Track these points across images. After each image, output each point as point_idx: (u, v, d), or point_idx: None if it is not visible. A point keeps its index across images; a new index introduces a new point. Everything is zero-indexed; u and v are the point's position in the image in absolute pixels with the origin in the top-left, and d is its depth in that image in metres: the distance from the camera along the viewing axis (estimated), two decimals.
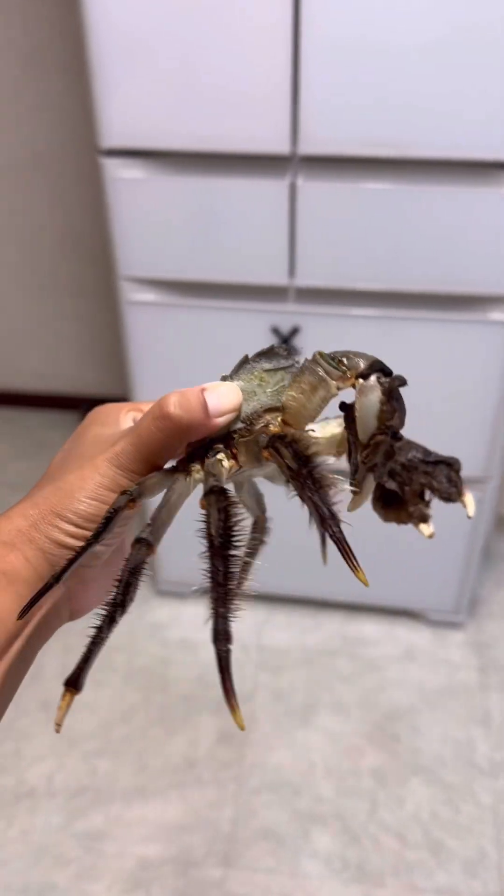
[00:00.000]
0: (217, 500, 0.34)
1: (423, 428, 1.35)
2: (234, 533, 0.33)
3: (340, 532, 0.32)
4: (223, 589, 0.31)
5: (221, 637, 0.31)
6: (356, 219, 1.10)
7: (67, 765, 1.28)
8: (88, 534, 0.38)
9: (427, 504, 0.42)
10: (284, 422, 0.39)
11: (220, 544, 0.32)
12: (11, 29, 1.56)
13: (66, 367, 2.06)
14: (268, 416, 0.39)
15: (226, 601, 0.31)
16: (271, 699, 1.38)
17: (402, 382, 0.35)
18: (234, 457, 0.40)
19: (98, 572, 0.44)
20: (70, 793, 1.24)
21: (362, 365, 0.36)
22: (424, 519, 0.42)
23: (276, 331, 1.19)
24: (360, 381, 0.35)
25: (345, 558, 0.32)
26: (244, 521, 0.35)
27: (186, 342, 1.24)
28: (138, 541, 0.37)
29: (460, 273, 1.11)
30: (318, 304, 1.18)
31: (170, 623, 1.52)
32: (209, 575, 0.32)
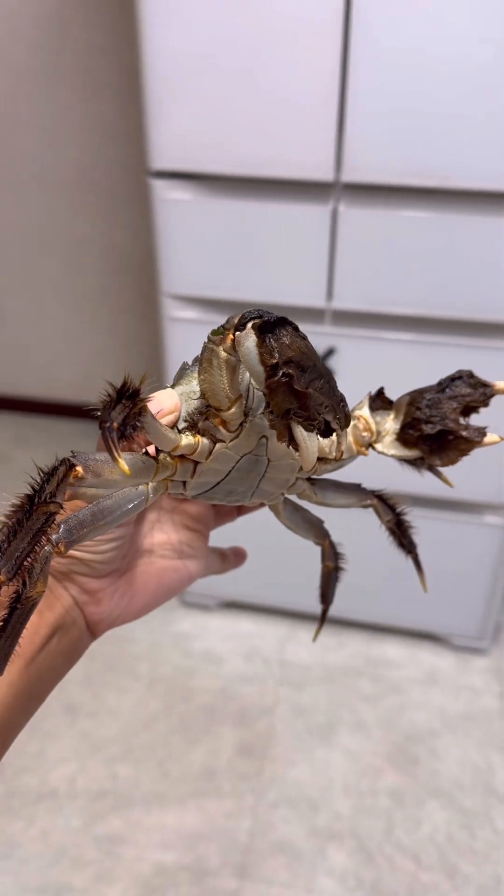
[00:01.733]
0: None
1: None
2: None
3: (109, 429, 0.33)
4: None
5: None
6: (395, 245, 1.12)
7: (89, 768, 1.30)
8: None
9: (469, 420, 0.41)
10: (215, 409, 0.38)
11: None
12: (68, 53, 1.62)
13: (102, 379, 2.10)
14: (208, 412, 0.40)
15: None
16: (292, 715, 1.39)
17: (276, 317, 0.32)
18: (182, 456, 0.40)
19: (107, 584, 0.47)
20: (91, 796, 1.26)
21: (237, 319, 0.33)
22: (482, 433, 0.40)
23: None
24: (237, 334, 0.33)
25: (109, 449, 0.33)
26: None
27: None
28: (45, 531, 0.35)
29: (496, 301, 1.13)
30: (353, 326, 1.20)
31: (195, 634, 1.54)
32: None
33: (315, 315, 1.21)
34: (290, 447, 0.33)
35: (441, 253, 1.11)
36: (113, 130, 1.70)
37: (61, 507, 0.35)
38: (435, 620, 1.50)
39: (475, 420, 0.40)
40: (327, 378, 0.33)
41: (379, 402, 0.42)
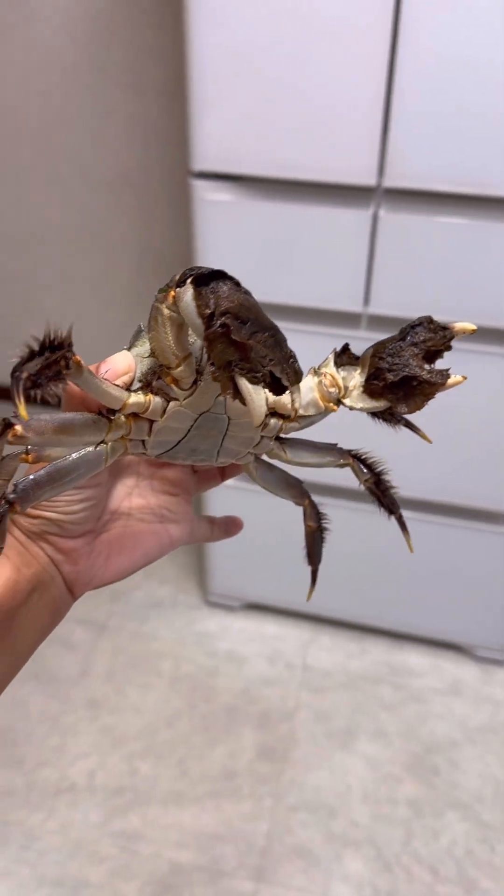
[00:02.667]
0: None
1: (487, 460, 1.34)
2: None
3: (17, 377, 0.33)
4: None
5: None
6: (434, 252, 1.12)
7: (109, 763, 1.31)
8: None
9: (433, 363, 0.40)
10: (166, 367, 0.39)
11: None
12: (113, 52, 1.64)
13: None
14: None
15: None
16: (312, 719, 1.39)
17: (213, 270, 0.33)
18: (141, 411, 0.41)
19: (81, 544, 0.48)
20: (110, 791, 1.27)
21: (178, 276, 0.34)
22: (445, 375, 0.39)
23: None
24: (177, 290, 0.33)
25: (11, 394, 0.33)
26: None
27: None
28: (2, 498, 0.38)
29: None
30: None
31: (218, 634, 1.54)
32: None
33: (352, 320, 1.20)
34: (237, 400, 0.33)
35: (480, 261, 1.11)
36: (156, 130, 1.71)
37: None
38: (459, 630, 1.48)
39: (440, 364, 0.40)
40: (272, 332, 0.33)
41: (345, 357, 0.43)
